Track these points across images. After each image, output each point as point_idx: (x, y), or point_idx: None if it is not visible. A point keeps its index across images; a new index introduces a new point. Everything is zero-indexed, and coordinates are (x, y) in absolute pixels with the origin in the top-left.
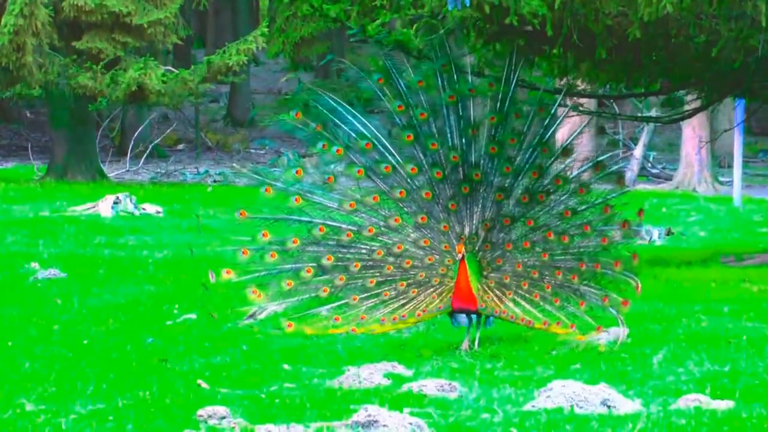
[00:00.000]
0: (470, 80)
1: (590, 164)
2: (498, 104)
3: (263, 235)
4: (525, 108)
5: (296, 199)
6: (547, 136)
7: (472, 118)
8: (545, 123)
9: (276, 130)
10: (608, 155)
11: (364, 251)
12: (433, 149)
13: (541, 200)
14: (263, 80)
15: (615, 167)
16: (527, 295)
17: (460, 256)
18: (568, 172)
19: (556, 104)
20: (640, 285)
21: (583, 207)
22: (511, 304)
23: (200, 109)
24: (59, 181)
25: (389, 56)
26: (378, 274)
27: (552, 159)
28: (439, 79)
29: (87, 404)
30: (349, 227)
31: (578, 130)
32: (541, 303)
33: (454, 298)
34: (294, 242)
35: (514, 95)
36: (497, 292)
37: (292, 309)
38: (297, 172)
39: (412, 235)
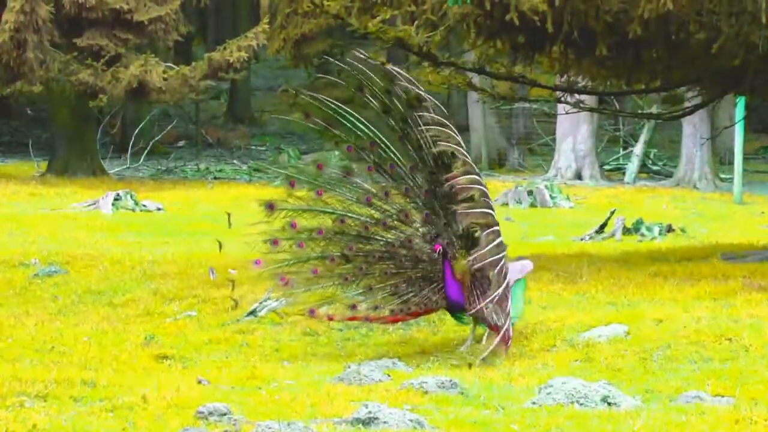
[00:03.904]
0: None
1: None
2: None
3: (293, 225)
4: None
5: (320, 192)
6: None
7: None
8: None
9: (276, 127)
10: None
11: (381, 243)
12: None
13: None
14: (264, 77)
15: None
16: None
17: (435, 254)
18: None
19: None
20: None
21: None
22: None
23: (201, 105)
24: (60, 177)
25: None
26: (393, 266)
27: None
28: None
29: (87, 401)
30: (367, 219)
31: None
32: None
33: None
34: (320, 233)
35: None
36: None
37: (317, 297)
38: (318, 166)
39: (420, 229)
